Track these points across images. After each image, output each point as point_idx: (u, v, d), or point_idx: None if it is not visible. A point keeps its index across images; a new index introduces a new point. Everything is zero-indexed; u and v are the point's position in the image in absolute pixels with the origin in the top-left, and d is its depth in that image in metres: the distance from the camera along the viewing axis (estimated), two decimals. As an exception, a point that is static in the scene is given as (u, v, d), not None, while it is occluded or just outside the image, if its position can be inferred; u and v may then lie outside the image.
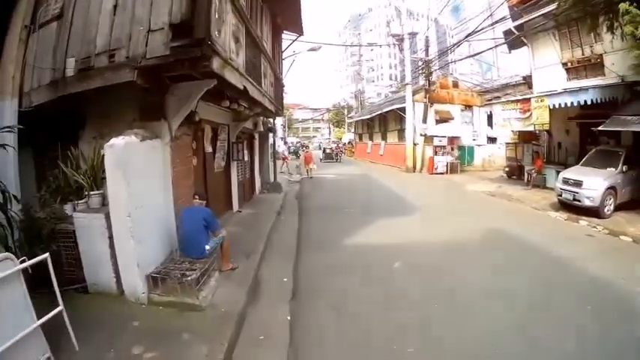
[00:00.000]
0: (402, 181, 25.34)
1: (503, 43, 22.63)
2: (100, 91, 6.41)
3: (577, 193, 13.20)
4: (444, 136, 30.17)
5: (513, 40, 21.22)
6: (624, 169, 13.21)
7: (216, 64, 5.85)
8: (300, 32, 18.28)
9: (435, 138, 29.90)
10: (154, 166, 6.73)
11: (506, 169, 25.09)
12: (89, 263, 6.21)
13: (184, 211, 7.18)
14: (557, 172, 15.86)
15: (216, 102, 9.39)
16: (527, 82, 23.62)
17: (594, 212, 12.75)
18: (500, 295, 7.02)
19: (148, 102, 6.87)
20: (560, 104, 16.65)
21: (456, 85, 34.18)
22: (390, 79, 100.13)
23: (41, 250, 4.93)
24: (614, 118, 14.04)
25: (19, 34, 7.36)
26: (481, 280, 7.76)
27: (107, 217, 5.99)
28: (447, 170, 29.17)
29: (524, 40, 20.49)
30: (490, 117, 31.23)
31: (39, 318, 4.13)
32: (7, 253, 4.08)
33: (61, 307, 4.45)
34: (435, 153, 29.88)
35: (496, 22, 22.15)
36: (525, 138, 22.98)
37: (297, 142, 68.60)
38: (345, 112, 74.68)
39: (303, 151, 38.57)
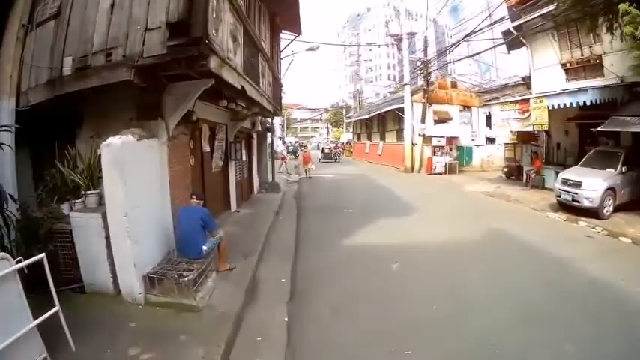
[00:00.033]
0: (401, 181, 25.31)
1: (502, 44, 22.62)
2: (97, 90, 6.40)
3: (576, 194, 13.18)
4: (443, 137, 30.15)
5: (512, 41, 21.22)
6: (623, 170, 13.21)
7: (213, 63, 5.83)
8: (298, 32, 18.28)
9: (433, 138, 29.88)
10: (151, 165, 6.70)
11: (505, 169, 25.07)
12: (86, 263, 6.17)
13: (181, 211, 7.15)
14: (556, 173, 15.86)
15: (214, 101, 9.34)
16: (526, 82, 23.65)
17: (593, 213, 12.73)
18: (500, 296, 7.01)
19: (145, 101, 6.84)
20: (559, 105, 16.64)
21: (454, 85, 34.15)
22: (389, 79, 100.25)
23: (38, 249, 4.93)
24: (613, 119, 14.02)
25: (17, 33, 7.38)
26: (480, 281, 7.73)
27: (104, 217, 5.95)
28: (445, 171, 29.15)
29: (523, 41, 20.50)
30: (489, 117, 31.17)
31: (35, 318, 4.10)
32: (3, 253, 4.05)
33: (57, 308, 4.43)
34: (434, 153, 29.84)
35: (495, 22, 22.17)
36: (524, 139, 22.98)
37: (295, 142, 68.45)
38: (344, 112, 74.60)
39: (302, 151, 38.52)
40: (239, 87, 7.58)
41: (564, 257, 9.04)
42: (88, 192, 6.36)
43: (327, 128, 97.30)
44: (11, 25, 7.30)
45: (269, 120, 20.58)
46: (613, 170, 13.28)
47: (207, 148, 10.67)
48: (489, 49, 28.14)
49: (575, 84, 17.19)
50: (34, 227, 6.10)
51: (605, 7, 12.36)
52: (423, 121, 30.21)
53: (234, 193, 13.57)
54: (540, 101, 17.58)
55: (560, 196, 14.12)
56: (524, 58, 21.82)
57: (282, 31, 17.94)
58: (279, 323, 5.97)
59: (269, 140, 22.27)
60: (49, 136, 7.28)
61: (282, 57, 19.72)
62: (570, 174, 14.04)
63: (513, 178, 23.38)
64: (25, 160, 7.73)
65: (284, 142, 54.68)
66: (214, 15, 5.89)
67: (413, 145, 30.46)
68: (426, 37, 31.88)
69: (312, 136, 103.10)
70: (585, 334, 5.61)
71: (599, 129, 14.29)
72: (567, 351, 5.15)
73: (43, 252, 4.44)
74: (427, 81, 30.43)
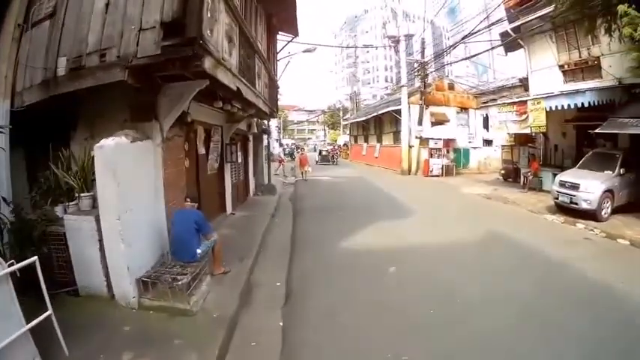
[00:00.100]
0: (397, 183, 25.27)
1: (500, 45, 22.58)
2: (91, 91, 6.34)
3: (574, 196, 13.15)
4: (440, 139, 30.09)
5: (510, 43, 21.21)
6: (621, 171, 13.21)
7: (208, 63, 5.77)
8: (295, 33, 18.22)
9: (430, 140, 29.86)
10: (144, 167, 6.63)
11: (502, 171, 25.05)
12: (80, 266, 6.11)
13: (176, 213, 7.09)
14: (554, 175, 15.86)
15: (209, 103, 9.29)
16: (524, 84, 23.66)
17: (591, 215, 12.70)
18: (497, 300, 6.94)
19: (139, 102, 6.78)
20: (556, 106, 16.64)
21: (451, 87, 34.19)
22: (386, 81, 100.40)
23: (32, 252, 4.88)
24: (611, 121, 14.00)
25: (12, 33, 7.31)
26: (478, 284, 7.66)
27: (97, 220, 5.88)
28: (442, 173, 29.15)
29: (521, 42, 20.49)
30: (486, 119, 31.14)
31: (28, 322, 4.05)
32: (-6, 256, 3.99)
33: (50, 312, 4.38)
34: (431, 155, 29.79)
35: (492, 24, 22.18)
36: (521, 140, 23.00)
37: (292, 144, 68.46)
38: (341, 114, 74.64)
39: (298, 152, 38.46)
40: (234, 88, 7.52)
41: (563, 259, 9.00)
42: (82, 194, 6.28)
43: (324, 130, 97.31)
44: (7, 24, 7.24)
45: (265, 122, 20.57)
46: (611, 172, 13.26)
47: (202, 150, 10.59)
48: (487, 50, 28.18)
49: (573, 86, 17.19)
50: (28, 230, 6.02)
51: (604, 8, 12.36)
52: (420, 123, 30.24)
53: (229, 196, 13.50)
54: (538, 103, 17.57)
55: (557, 198, 14.09)
56: (521, 59, 21.87)
57: (279, 33, 17.91)
58: (273, 328, 5.90)
59: (265, 142, 22.20)
60: (44, 137, 7.20)
61: (278, 58, 19.70)
62: (568, 176, 14.02)
63: (511, 180, 23.37)
64: (20, 162, 7.65)
65: (281, 145, 54.66)
66: (209, 15, 5.84)
67: (410, 147, 30.46)
68: (423, 38, 31.93)
69: (308, 138, 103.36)
70: (585, 336, 5.57)
71: (597, 131, 14.27)
72: (567, 353, 5.11)
73: (37, 255, 4.38)
74: (424, 83, 30.48)
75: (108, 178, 5.67)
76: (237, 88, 7.73)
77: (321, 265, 9.00)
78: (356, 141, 52.32)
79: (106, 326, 5.39)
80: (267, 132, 22.33)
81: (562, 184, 13.87)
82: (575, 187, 13.21)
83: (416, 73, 31.83)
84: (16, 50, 7.41)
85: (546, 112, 17.17)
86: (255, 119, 17.26)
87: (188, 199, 7.25)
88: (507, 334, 5.69)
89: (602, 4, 12.43)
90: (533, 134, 20.92)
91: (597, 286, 7.48)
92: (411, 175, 29.92)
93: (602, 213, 12.74)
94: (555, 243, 10.46)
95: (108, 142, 5.72)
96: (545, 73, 19.02)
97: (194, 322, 5.65)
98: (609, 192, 12.82)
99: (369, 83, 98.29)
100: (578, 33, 16.49)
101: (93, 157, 5.90)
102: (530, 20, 18.28)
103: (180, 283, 5.92)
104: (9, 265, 3.99)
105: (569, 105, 16.07)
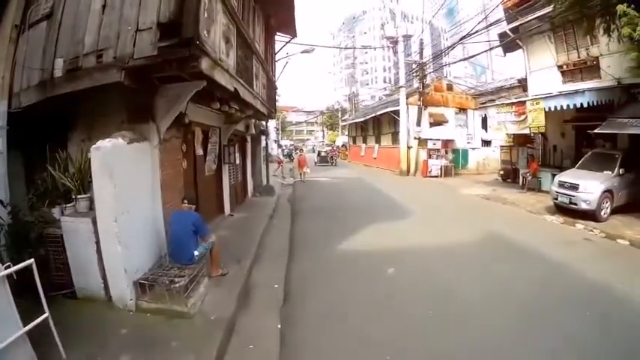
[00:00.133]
0: (396, 184, 25.25)
1: (498, 46, 22.59)
2: (88, 92, 6.33)
3: (573, 196, 13.13)
4: (438, 139, 30.04)
5: (508, 43, 21.23)
6: (621, 172, 13.20)
7: (205, 64, 5.75)
8: (293, 34, 18.20)
9: (429, 141, 29.80)
10: (142, 169, 6.62)
11: (501, 172, 25.00)
12: (77, 268, 6.09)
13: (173, 215, 7.05)
14: (553, 176, 15.85)
15: (207, 104, 9.23)
16: (523, 84, 23.68)
17: (591, 216, 12.69)
18: (497, 301, 6.92)
19: (136, 103, 6.77)
20: (555, 107, 16.64)
21: (450, 87, 34.18)
22: (384, 81, 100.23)
23: (29, 254, 4.85)
24: (611, 121, 14.00)
25: (9, 34, 7.28)
26: (477, 286, 7.64)
27: (94, 222, 5.87)
28: (441, 173, 29.11)
29: (520, 43, 20.49)
30: (485, 120, 31.18)
31: (25, 324, 4.02)
32: (-10, 258, 3.96)
33: (47, 314, 4.35)
34: (429, 156, 29.78)
35: (491, 24, 22.16)
36: (520, 141, 22.99)
37: (290, 145, 68.44)
38: (339, 114, 74.57)
39: (297, 154, 38.44)
40: (232, 89, 7.50)
41: (562, 260, 8.98)
42: (79, 196, 6.25)
43: (323, 131, 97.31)
44: (4, 25, 7.22)
45: (263, 123, 20.54)
46: (610, 172, 13.25)
47: (200, 151, 10.54)
48: (485, 51, 28.14)
49: (571, 86, 17.18)
50: (25, 231, 6.03)
51: (603, 8, 12.34)
52: (418, 123, 30.23)
53: (227, 197, 13.47)
54: (537, 103, 17.57)
55: (557, 199, 14.08)
56: (520, 60, 21.85)
57: (277, 33, 17.89)
58: (272, 330, 5.87)
59: (263, 143, 22.16)
60: (41, 138, 7.19)
61: (277, 59, 19.67)
62: (567, 176, 14.00)
63: (509, 180, 23.37)
64: (17, 163, 7.62)
65: (280, 146, 54.61)
66: (206, 15, 5.82)
67: (408, 147, 30.45)
68: (421, 39, 31.87)
69: (307, 139, 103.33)
70: (585, 336, 5.56)
71: (596, 131, 14.27)
72: (567, 354, 5.10)
73: (34, 257, 4.36)
74: (423, 83, 30.44)
75: (105, 179, 5.64)
76: (235, 89, 7.72)
77: (320, 266, 8.97)
78: (354, 142, 52.26)
79: (103, 329, 5.38)
80: (266, 133, 22.27)
81: (561, 184, 13.85)
82: (574, 187, 13.20)
83: (414, 74, 31.79)
84: (13, 51, 7.39)
85: (545, 112, 17.17)
86: (254, 120, 17.24)
87: (185, 201, 7.20)
88: (507, 335, 5.67)
89: (601, 4, 12.41)
90: (532, 135, 20.94)
91: (597, 286, 7.46)
92: (409, 176, 29.90)
93: (602, 213, 12.72)
94: (554, 243, 10.44)
95: (105, 144, 5.70)
96: (544, 74, 19.01)
97: (192, 325, 5.62)
98: (608, 192, 12.81)
99: (367, 84, 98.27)
100: (576, 33, 16.53)
101: (90, 158, 5.87)
102: (529, 21, 18.28)
103: (177, 285, 5.90)
104: (6, 268, 3.96)
105: (568, 105, 16.07)
